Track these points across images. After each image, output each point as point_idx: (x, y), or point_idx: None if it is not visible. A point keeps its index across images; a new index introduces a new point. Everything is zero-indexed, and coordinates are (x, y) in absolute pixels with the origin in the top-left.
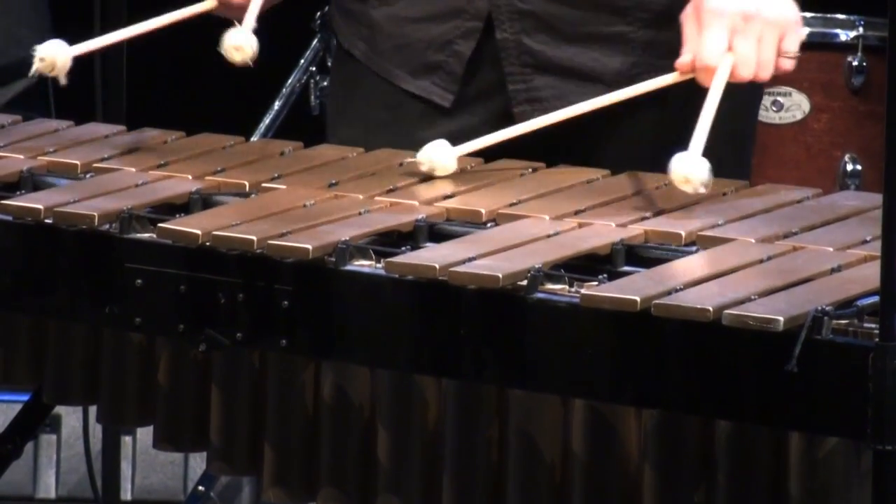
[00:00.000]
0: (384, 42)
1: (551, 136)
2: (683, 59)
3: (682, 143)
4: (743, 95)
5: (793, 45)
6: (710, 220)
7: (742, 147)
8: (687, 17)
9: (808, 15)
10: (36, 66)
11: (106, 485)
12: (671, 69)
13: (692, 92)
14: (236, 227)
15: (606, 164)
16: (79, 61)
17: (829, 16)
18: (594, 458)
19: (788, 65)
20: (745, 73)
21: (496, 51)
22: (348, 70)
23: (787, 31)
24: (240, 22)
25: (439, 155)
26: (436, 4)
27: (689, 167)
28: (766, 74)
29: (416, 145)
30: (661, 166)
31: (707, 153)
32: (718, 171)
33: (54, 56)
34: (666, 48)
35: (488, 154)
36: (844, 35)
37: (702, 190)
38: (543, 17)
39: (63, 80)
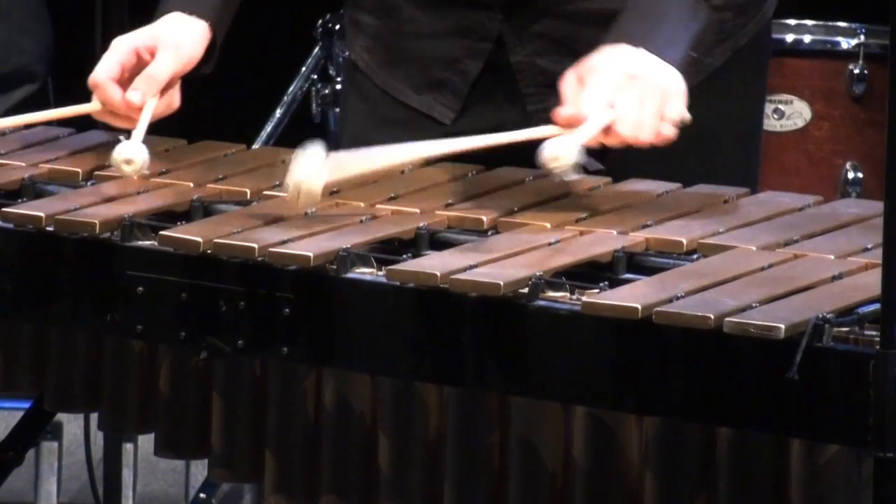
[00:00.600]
0: (388, 55)
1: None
2: (564, 112)
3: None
4: (754, 95)
5: (675, 113)
6: (711, 227)
7: (751, 148)
8: (567, 78)
9: (810, 23)
10: (126, 169)
11: (107, 492)
12: (686, 75)
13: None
14: (238, 234)
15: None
16: (80, 68)
17: (830, 23)
18: (595, 465)
19: (670, 131)
20: (625, 131)
21: (509, 73)
22: (353, 78)
23: (669, 97)
24: (121, 130)
25: (308, 176)
26: (443, 22)
27: (559, 149)
28: (646, 136)
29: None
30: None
31: (716, 157)
32: (728, 179)
33: (138, 156)
34: None
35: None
36: (846, 43)
37: (571, 176)
38: (555, 38)
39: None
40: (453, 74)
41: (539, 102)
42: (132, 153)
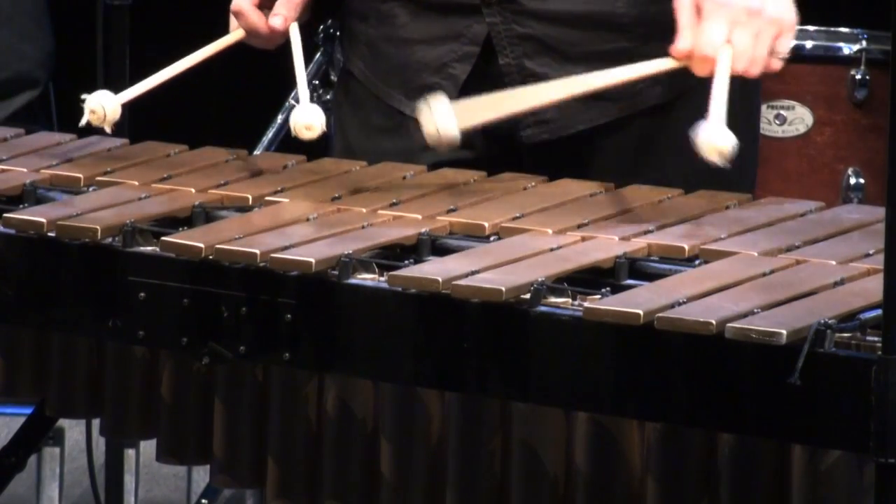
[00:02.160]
0: (381, 62)
1: (549, 148)
2: (682, 45)
3: (679, 156)
4: (747, 109)
5: (786, 47)
6: (712, 233)
7: (745, 160)
8: (683, 4)
9: (812, 28)
10: (87, 117)
11: (109, 498)
12: (676, 82)
13: (685, 104)
14: (239, 240)
15: (600, 179)
16: (81, 74)
17: (832, 29)
18: (597, 471)
19: (777, 65)
20: (738, 66)
21: (496, 74)
22: (349, 88)
23: (783, 31)
24: (268, 49)
25: (442, 120)
26: (433, 27)
27: (717, 137)
28: (756, 71)
29: (416, 161)
30: (653, 181)
31: (707, 170)
32: (721, 184)
33: (104, 105)
34: None
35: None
36: (847, 48)
37: (726, 163)
38: (544, 40)
39: (109, 130)
40: (443, 79)
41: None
42: (311, 119)
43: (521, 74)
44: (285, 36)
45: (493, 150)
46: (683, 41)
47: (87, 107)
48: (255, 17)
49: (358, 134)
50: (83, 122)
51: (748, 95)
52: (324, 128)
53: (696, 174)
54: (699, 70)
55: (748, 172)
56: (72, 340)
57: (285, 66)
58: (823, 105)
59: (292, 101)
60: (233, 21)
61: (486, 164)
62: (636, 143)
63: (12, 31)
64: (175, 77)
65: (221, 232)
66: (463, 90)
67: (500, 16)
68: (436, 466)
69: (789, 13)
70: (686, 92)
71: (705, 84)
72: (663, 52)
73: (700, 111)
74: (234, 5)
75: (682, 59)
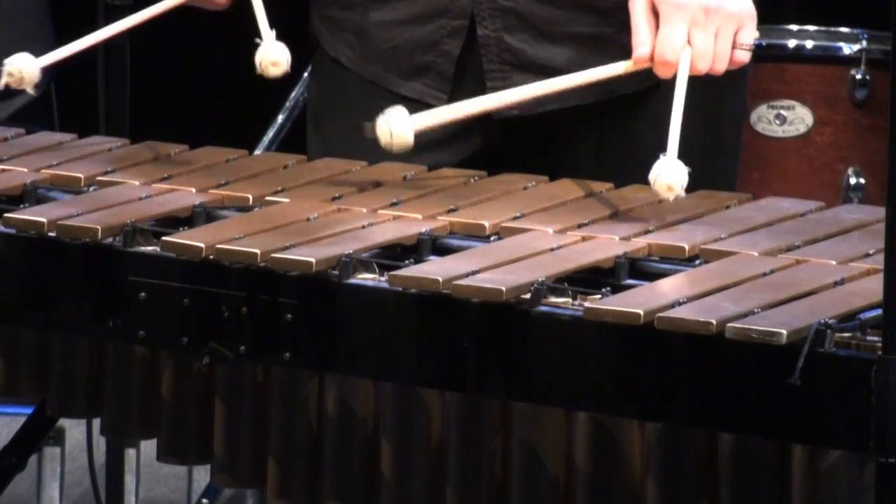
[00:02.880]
0: (372, 47)
1: (522, 125)
2: (641, 52)
3: (658, 145)
4: (726, 108)
5: (748, 38)
6: (712, 233)
7: (725, 160)
8: (639, 5)
9: (812, 28)
10: (4, 79)
11: (110, 498)
12: (650, 73)
13: (664, 93)
14: (240, 240)
15: (577, 160)
16: (82, 74)
17: (832, 29)
18: (598, 470)
19: (744, 57)
20: (702, 66)
21: (477, 48)
22: (334, 78)
23: (743, 23)
24: (216, 8)
25: (397, 125)
26: (419, 6)
27: (670, 174)
28: (721, 67)
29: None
30: (631, 166)
31: (689, 164)
32: (700, 185)
33: (21, 69)
34: None
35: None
36: (848, 48)
37: (681, 195)
38: (525, 15)
39: (32, 92)
40: (437, 56)
41: (498, 80)
42: (277, 54)
43: (498, 48)
44: None
45: (463, 132)
46: (643, 47)
47: (4, 69)
48: None
49: (342, 119)
50: (0, 85)
51: (736, 88)
52: (289, 63)
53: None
54: (661, 73)
55: (729, 169)
56: (72, 340)
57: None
58: (824, 105)
59: (256, 41)
60: None
61: (459, 146)
62: (612, 128)
63: (13, 31)
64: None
65: (222, 232)
66: (457, 66)
67: None
68: (436, 466)
69: (747, 5)
70: (664, 81)
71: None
72: None
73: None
74: None
75: (640, 63)
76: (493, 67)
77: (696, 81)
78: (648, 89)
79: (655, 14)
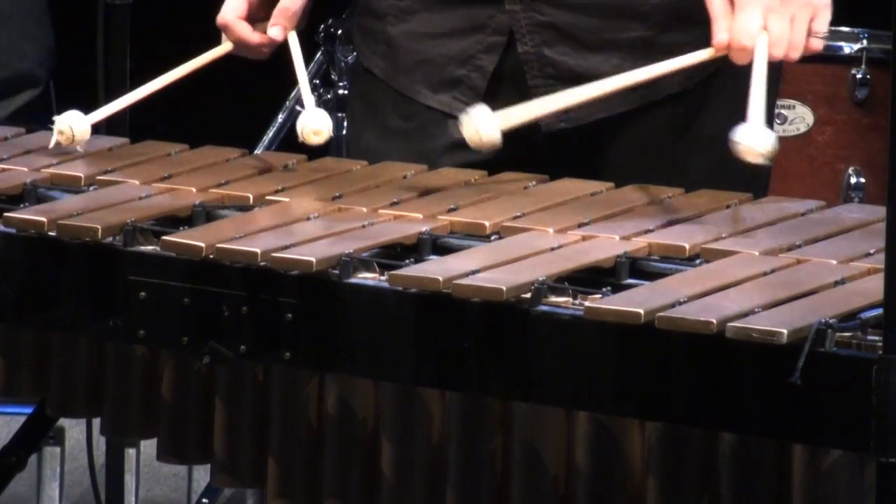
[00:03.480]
0: (403, 58)
1: (566, 138)
2: (720, 38)
3: (699, 145)
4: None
5: (823, 26)
6: (713, 232)
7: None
8: None
9: None
10: (56, 138)
11: (110, 497)
12: (696, 70)
13: (706, 93)
14: (240, 239)
15: (618, 168)
16: (81, 73)
17: (832, 28)
18: (598, 470)
19: (818, 45)
20: (777, 53)
21: (518, 64)
22: (368, 87)
23: (818, 11)
24: (260, 59)
25: (484, 125)
26: (455, 20)
27: (756, 138)
28: (796, 55)
29: (434, 161)
30: (672, 170)
31: (722, 165)
32: (738, 176)
33: (72, 126)
34: (687, 49)
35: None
36: (848, 48)
37: (767, 161)
38: (563, 28)
39: (81, 150)
40: (471, 71)
41: (546, 94)
42: (318, 124)
43: (539, 63)
44: (275, 46)
45: (508, 143)
46: (721, 33)
47: (55, 128)
48: (243, 29)
49: (379, 134)
50: (52, 143)
51: (772, 88)
52: (331, 132)
53: (715, 166)
54: (738, 59)
55: (763, 168)
56: (72, 340)
57: (286, 65)
58: (824, 104)
59: (297, 108)
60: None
61: (503, 158)
62: (655, 132)
63: (13, 30)
64: (152, 94)
65: (222, 231)
66: (491, 81)
67: (521, 4)
68: (436, 466)
69: None
70: (706, 80)
71: (725, 72)
72: (682, 40)
73: (721, 99)
74: (220, 19)
75: (721, 51)
76: (537, 83)
77: (731, 84)
78: (695, 87)
79: (732, 3)
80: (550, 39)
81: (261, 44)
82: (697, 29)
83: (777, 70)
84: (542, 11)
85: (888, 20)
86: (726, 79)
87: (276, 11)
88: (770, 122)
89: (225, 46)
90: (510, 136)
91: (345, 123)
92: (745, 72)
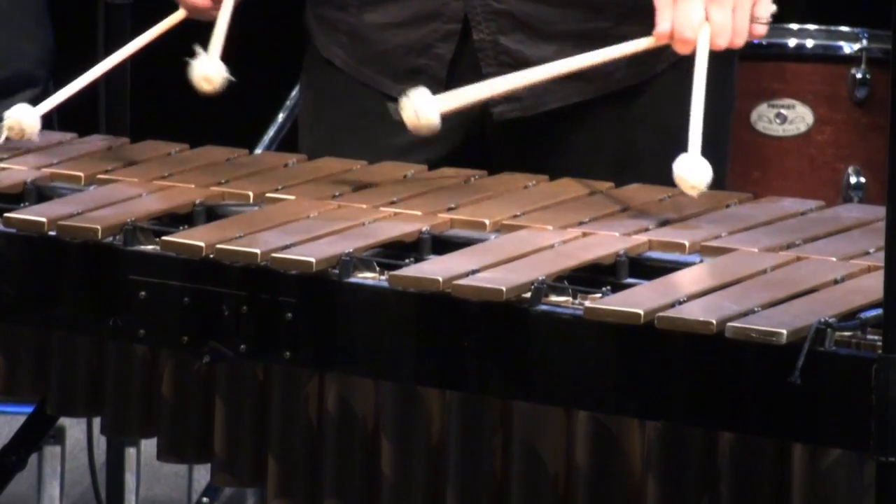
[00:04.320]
0: (364, 49)
1: (518, 126)
2: (662, 28)
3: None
4: (714, 105)
5: (765, 11)
6: (713, 231)
7: (713, 159)
8: None
9: (812, 27)
10: (5, 133)
11: (110, 496)
12: (650, 62)
13: (659, 86)
14: (240, 239)
15: (568, 159)
16: (82, 72)
17: (832, 28)
18: (598, 469)
19: (762, 30)
20: (721, 42)
21: (474, 52)
22: (326, 78)
23: None
24: (213, 22)
25: (423, 107)
26: (412, 9)
27: (693, 172)
28: (740, 41)
29: (394, 151)
30: (623, 162)
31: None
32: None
33: (21, 121)
34: None
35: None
36: (848, 47)
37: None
38: (519, 17)
39: (36, 139)
40: (429, 60)
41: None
42: (211, 70)
43: (494, 51)
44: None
45: (460, 131)
46: (663, 23)
47: (4, 124)
48: None
49: (344, 121)
50: (1, 139)
51: (724, 84)
52: (224, 79)
53: (666, 157)
54: (680, 49)
55: (719, 161)
56: (72, 339)
57: (286, 65)
58: (824, 104)
59: (198, 49)
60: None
61: (453, 144)
62: (608, 123)
63: (12, 29)
64: (110, 70)
65: (222, 231)
66: (450, 69)
67: None
68: (436, 465)
69: None
70: (660, 74)
71: (678, 66)
72: (638, 33)
73: (673, 93)
74: None
75: (662, 40)
76: (491, 71)
77: (685, 78)
78: (649, 80)
79: None
80: (506, 27)
81: (206, 5)
82: (653, 21)
83: (729, 61)
84: (497, 0)
85: (888, 20)
86: (680, 73)
87: None
88: (728, 119)
89: (179, 14)
90: (462, 124)
91: None
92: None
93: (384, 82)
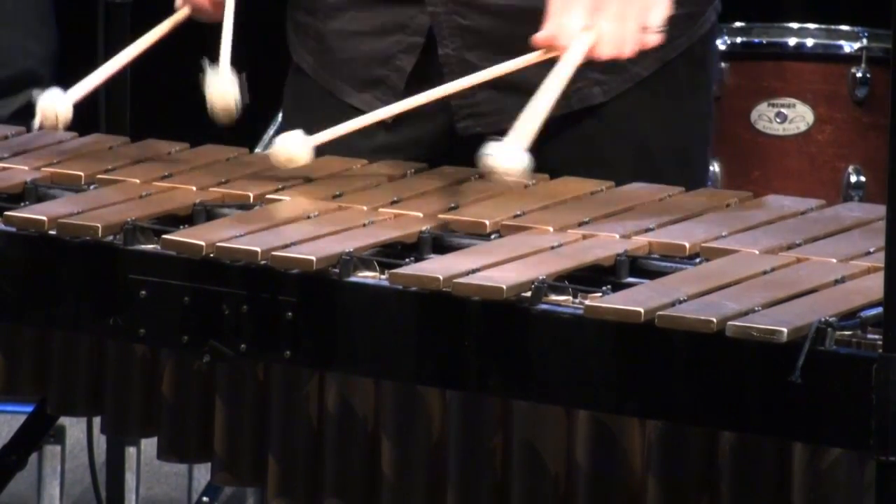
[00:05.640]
0: (330, 55)
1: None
2: (541, 35)
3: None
4: (685, 111)
5: (657, 20)
6: (713, 231)
7: (689, 168)
8: None
9: (812, 26)
10: (39, 121)
11: (110, 496)
12: (612, 81)
13: (625, 104)
14: (240, 238)
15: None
16: (82, 72)
17: (832, 27)
18: (598, 469)
19: (653, 39)
20: (605, 51)
21: (439, 66)
22: (297, 83)
23: (649, 5)
24: (218, 21)
25: (293, 145)
26: (380, 19)
27: (504, 158)
28: (627, 51)
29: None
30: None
31: (651, 170)
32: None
33: (55, 106)
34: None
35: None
36: (848, 46)
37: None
38: (483, 33)
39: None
40: (390, 71)
41: (463, 98)
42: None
43: (460, 66)
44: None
45: (426, 146)
46: (545, 30)
47: (38, 110)
48: None
49: (301, 125)
50: (36, 124)
51: (699, 90)
52: (240, 102)
53: (637, 172)
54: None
55: (696, 171)
56: (72, 338)
57: (286, 64)
58: (824, 103)
59: (207, 65)
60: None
61: (420, 155)
62: (574, 141)
63: (17, 28)
64: (126, 65)
65: (222, 230)
66: (409, 82)
67: (443, 6)
68: (436, 464)
69: None
70: (625, 92)
71: (646, 83)
72: None
73: (641, 109)
74: None
75: (547, 49)
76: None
77: (658, 86)
78: (614, 98)
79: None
80: (472, 43)
81: (214, 5)
82: None
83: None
84: (464, 15)
85: (888, 19)
86: (645, 89)
87: None
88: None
89: (182, 13)
90: (429, 139)
91: None
92: (668, 83)
93: (346, 90)
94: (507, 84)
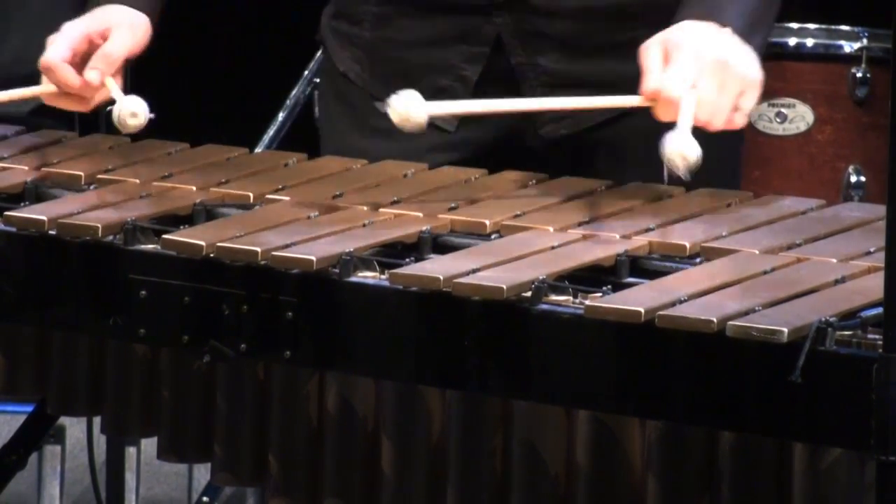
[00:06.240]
0: (380, 66)
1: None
2: (648, 87)
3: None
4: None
5: (749, 103)
6: (713, 231)
7: (725, 172)
8: (650, 47)
9: (813, 26)
10: (134, 123)
11: (110, 496)
12: None
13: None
14: (240, 238)
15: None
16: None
17: (833, 27)
18: (598, 469)
19: (741, 121)
20: (701, 116)
21: (504, 73)
22: (341, 90)
23: (748, 88)
24: (81, 110)
25: (412, 105)
26: (436, 28)
27: (683, 146)
28: (718, 123)
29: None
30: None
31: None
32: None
33: (139, 109)
34: None
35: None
36: (848, 46)
37: (686, 173)
38: (554, 36)
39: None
40: (453, 81)
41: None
42: (135, 106)
43: (535, 72)
44: (97, 92)
45: (504, 146)
46: (650, 82)
47: (124, 112)
48: (66, 72)
49: (355, 136)
50: (134, 126)
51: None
52: (148, 114)
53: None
54: (662, 115)
55: (733, 171)
56: (73, 338)
57: (286, 65)
58: (824, 103)
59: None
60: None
61: (497, 162)
62: (611, 144)
63: (35, 26)
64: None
65: (222, 230)
66: (475, 91)
67: (510, 16)
68: (437, 464)
69: (755, 71)
70: None
71: None
72: None
73: None
74: (43, 60)
75: (649, 100)
76: (533, 93)
77: None
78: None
79: (667, 57)
80: (544, 48)
81: (82, 88)
82: None
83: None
84: (531, 22)
85: (888, 19)
86: None
87: (95, 55)
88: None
89: (45, 87)
90: (506, 138)
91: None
92: None
93: None
94: (585, 83)
